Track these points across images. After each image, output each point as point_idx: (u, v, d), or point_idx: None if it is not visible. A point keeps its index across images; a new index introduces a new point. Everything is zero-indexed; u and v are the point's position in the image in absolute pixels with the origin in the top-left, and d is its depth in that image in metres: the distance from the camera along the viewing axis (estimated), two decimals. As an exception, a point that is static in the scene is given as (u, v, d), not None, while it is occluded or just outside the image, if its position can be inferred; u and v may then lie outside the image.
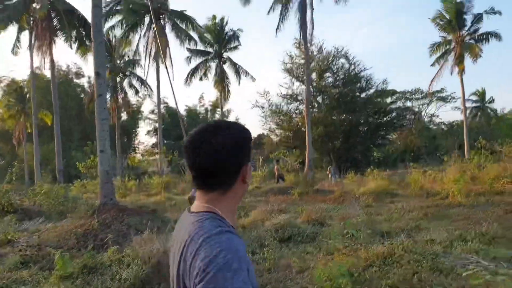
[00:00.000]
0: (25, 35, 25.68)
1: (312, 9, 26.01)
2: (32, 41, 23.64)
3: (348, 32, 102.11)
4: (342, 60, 37.90)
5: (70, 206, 15.34)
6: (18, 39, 26.28)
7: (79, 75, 49.21)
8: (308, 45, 34.09)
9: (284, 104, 40.67)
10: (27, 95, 34.77)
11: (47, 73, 39.71)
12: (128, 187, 25.36)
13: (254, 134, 56.14)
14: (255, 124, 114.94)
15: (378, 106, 37.15)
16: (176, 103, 33.28)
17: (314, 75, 39.25)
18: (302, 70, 38.62)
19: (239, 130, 1.42)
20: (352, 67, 37.44)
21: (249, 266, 1.23)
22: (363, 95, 37.66)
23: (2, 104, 36.83)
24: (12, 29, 25.69)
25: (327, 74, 39.16)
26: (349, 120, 36.49)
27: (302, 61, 38.49)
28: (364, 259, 6.21)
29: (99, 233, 9.37)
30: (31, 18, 22.79)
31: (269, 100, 41.12)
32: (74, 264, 6.97)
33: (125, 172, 32.11)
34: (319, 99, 39.88)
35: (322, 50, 38.51)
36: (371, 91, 37.43)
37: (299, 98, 38.78)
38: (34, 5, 23.30)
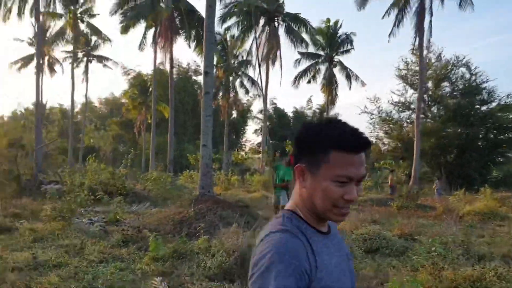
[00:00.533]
0: (150, 32, 28.11)
1: (431, 14, 24.76)
2: (156, 39, 25.75)
3: (471, 40, 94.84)
4: (463, 70, 35.41)
5: (175, 194, 16.47)
6: (144, 36, 28.76)
7: (197, 72, 52.12)
8: (425, 52, 32.49)
9: (395, 112, 39.20)
10: (150, 89, 37.72)
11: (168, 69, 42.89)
12: (231, 182, 26.36)
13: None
14: (363, 131, 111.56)
15: (500, 121, 34.07)
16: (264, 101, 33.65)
17: (430, 84, 37.28)
18: (418, 77, 36.93)
19: (315, 125, 1.31)
20: (473, 77, 34.79)
21: (309, 268, 1.17)
22: (483, 108, 34.82)
23: (127, 94, 40.52)
24: (140, 27, 28.01)
25: (445, 83, 36.91)
26: (465, 134, 34.00)
27: (418, 68, 36.80)
28: (450, 280, 5.84)
29: (194, 222, 9.95)
30: (157, 17, 24.70)
31: (379, 106, 39.89)
32: (166, 248, 7.47)
33: (230, 168, 33.42)
34: (433, 109, 37.78)
35: (440, 57, 36.39)
36: (493, 104, 34.43)
37: (412, 106, 37.03)
38: (161, 4, 25.34)
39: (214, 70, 36.87)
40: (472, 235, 9.71)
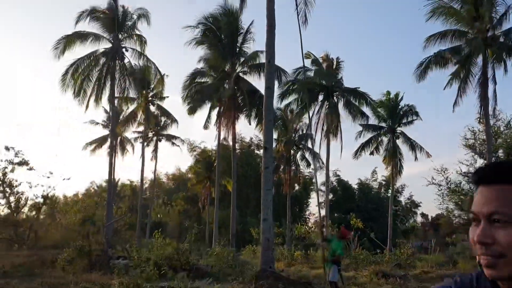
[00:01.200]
0: (215, 111, 29.64)
1: (495, 83, 24.27)
2: (220, 117, 27.17)
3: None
4: (535, 136, 33.75)
5: (238, 269, 16.44)
6: (209, 116, 30.40)
7: (259, 146, 53.30)
8: (493, 120, 31.46)
9: (465, 183, 37.55)
10: (214, 164, 38.98)
11: (237, 146, 44.36)
12: (294, 257, 25.89)
13: (431, 213, 51.74)
14: (431, 203, 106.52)
15: None
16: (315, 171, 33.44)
17: (501, 152, 35.68)
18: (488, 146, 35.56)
19: None
20: (548, 144, 32.97)
21: None
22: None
23: (193, 170, 42.05)
24: (205, 107, 29.73)
25: (517, 152, 35.17)
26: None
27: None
28: None
29: (256, 298, 9.91)
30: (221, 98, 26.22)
31: (447, 177, 38.45)
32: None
33: (293, 242, 32.92)
34: (507, 179, 35.78)
35: (510, 125, 34.98)
36: None
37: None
38: (224, 85, 26.95)
39: (275, 144, 37.88)
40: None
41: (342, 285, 10.44)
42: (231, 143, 28.66)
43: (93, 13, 27.46)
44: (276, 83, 27.46)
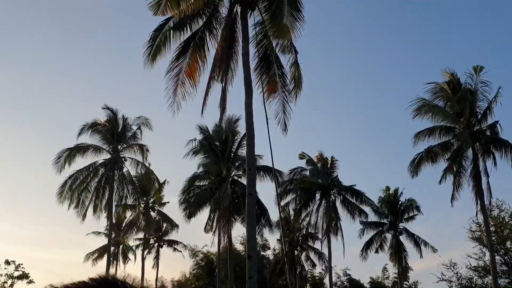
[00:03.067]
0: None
1: (488, 176, 24.44)
2: (216, 223, 27.18)
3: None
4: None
5: None
6: (209, 219, 30.26)
7: (265, 247, 52.30)
8: (495, 212, 31.20)
9: (477, 277, 36.10)
10: (215, 269, 38.02)
11: (239, 247, 43.51)
12: None
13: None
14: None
15: None
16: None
17: (509, 244, 34.74)
18: (495, 238, 34.72)
19: None
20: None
21: None
22: None
23: (193, 279, 40.94)
24: (206, 210, 29.70)
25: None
26: None
27: (492, 229, 34.84)
28: None
29: None
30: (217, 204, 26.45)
31: (457, 273, 37.06)
32: None
33: None
34: (518, 272, 34.38)
35: (514, 215, 34.48)
36: None
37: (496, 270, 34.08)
38: (222, 189, 27.23)
39: (279, 245, 37.26)
40: None
41: None
42: (228, 247, 28.21)
43: (93, 126, 28.74)
44: (273, 184, 27.97)
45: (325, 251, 34.93)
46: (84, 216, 27.23)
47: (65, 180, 27.24)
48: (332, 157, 34.34)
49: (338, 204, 32.95)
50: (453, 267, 37.47)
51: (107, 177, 28.39)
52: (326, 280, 36.83)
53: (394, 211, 34.48)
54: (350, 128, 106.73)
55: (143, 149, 29.65)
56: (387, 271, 50.07)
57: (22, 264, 31.79)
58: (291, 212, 35.56)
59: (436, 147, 26.20)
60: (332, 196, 33.18)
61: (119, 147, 29.66)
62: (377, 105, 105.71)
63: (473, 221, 36.19)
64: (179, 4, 13.90)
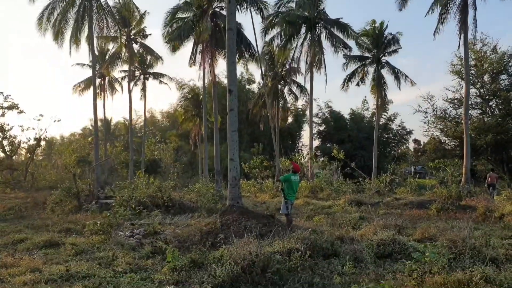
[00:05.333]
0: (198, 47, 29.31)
1: (475, 9, 23.99)
2: (200, 56, 27.15)
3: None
4: (521, 61, 33.76)
5: (219, 204, 17.20)
6: (193, 52, 30.11)
7: (250, 81, 53.28)
8: (479, 45, 31.42)
9: (452, 109, 38.10)
10: (202, 101, 39.23)
11: (224, 81, 44.20)
12: (278, 189, 26.79)
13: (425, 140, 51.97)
14: (417, 130, 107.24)
15: None
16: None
17: (486, 77, 35.84)
18: (474, 71, 35.65)
19: None
20: (533, 67, 33.07)
21: None
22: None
23: (180, 108, 42.39)
24: (189, 44, 29.32)
25: (503, 76, 35.36)
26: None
27: (473, 62, 35.53)
28: (435, 285, 6.04)
29: (219, 232, 10.65)
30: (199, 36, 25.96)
31: (433, 104, 38.96)
32: (184, 258, 8.11)
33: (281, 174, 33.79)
34: (492, 103, 36.22)
35: (496, 50, 34.88)
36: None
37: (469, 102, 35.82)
38: (201, 22, 26.52)
39: (265, 79, 37.93)
40: (491, 237, 9.64)
41: (290, 216, 11.55)
42: (216, 80, 28.62)
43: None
44: (258, 17, 27.18)
45: (307, 86, 35.87)
46: (70, 48, 26.99)
47: (42, 11, 26.30)
48: (319, -13, 32.88)
49: (323, 38, 32.71)
50: (430, 99, 39.35)
51: (85, 7, 27.25)
52: (308, 112, 38.40)
53: (378, 45, 34.44)
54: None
55: (119, -23, 28.07)
56: (367, 103, 52.12)
57: (10, 95, 32.17)
58: (275, 47, 35.38)
59: (427, -23, 25.13)
60: (317, 29, 32.71)
61: (94, -26, 27.89)
62: None
63: (456, 55, 36.74)
64: None
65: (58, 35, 26.87)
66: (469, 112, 32.71)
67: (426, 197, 19.73)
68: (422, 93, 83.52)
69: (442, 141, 39.73)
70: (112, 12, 28.88)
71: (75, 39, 27.26)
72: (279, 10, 32.29)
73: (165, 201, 16.85)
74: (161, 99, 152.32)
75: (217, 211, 14.16)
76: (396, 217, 13.05)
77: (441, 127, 38.08)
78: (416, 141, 61.18)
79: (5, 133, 32.35)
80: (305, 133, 59.07)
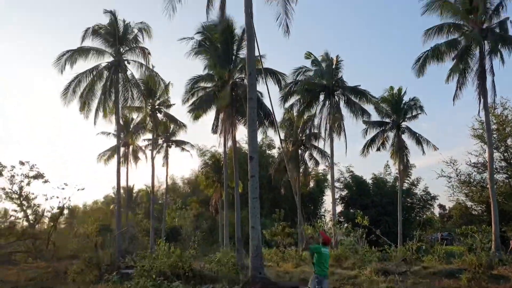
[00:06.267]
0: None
1: (493, 74, 24.25)
2: (221, 123, 27.88)
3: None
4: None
5: (241, 275, 16.76)
6: (216, 120, 30.90)
7: (270, 146, 53.74)
8: (499, 110, 31.42)
9: (476, 173, 37.46)
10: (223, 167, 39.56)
11: (245, 146, 44.76)
12: (302, 257, 26.10)
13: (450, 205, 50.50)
14: (442, 195, 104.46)
15: None
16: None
17: (510, 141, 35.44)
18: (496, 135, 35.37)
19: None
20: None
21: None
22: None
23: (201, 174, 42.76)
24: (212, 112, 30.18)
25: (526, 140, 34.91)
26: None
27: (494, 126, 35.33)
28: None
29: (242, 305, 10.36)
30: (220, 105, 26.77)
31: (456, 169, 38.43)
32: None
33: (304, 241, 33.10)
34: (517, 167, 35.51)
35: (517, 113, 34.73)
36: None
37: (494, 166, 35.20)
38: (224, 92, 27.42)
39: (284, 145, 38.28)
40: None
41: None
42: (233, 147, 29.06)
43: (95, 31, 28.33)
44: (276, 87, 28.05)
45: (328, 149, 35.97)
46: (95, 119, 28.14)
47: (69, 82, 27.73)
48: (337, 57, 33.86)
49: (342, 104, 33.33)
50: (453, 164, 38.83)
51: (112, 80, 28.60)
52: (330, 177, 38.21)
53: (398, 110, 34.74)
54: (357, 27, 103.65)
55: (145, 51, 29.43)
56: (389, 167, 51.53)
57: (36, 164, 33.04)
58: (295, 114, 36.00)
59: (443, 45, 25.71)
60: (336, 97, 33.38)
61: (121, 49, 29.46)
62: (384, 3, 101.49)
63: (476, 119, 36.66)
64: None
65: (84, 106, 28.06)
66: (495, 176, 32.02)
67: (455, 265, 18.96)
68: (445, 157, 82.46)
69: (468, 206, 38.81)
70: (137, 84, 30.16)
71: (104, 111, 28.44)
72: (297, 78, 33.25)
73: (186, 271, 16.52)
74: (183, 165, 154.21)
75: (239, 282, 13.83)
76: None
77: (466, 192, 37.35)
78: (441, 206, 59.81)
79: (29, 202, 32.88)
80: (327, 198, 58.27)
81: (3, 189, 32.29)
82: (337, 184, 52.32)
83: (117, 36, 28.57)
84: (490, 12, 24.99)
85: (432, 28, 26.24)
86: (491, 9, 24.97)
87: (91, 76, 28.23)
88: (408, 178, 46.77)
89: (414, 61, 26.66)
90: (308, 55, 33.88)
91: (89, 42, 28.89)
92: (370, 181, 51.25)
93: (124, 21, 29.87)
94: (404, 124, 35.07)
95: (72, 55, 27.44)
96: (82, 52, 27.97)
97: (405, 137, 34.93)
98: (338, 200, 51.70)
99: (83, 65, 28.69)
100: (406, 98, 35.37)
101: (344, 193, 51.02)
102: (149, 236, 41.18)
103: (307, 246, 11.50)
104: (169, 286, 13.14)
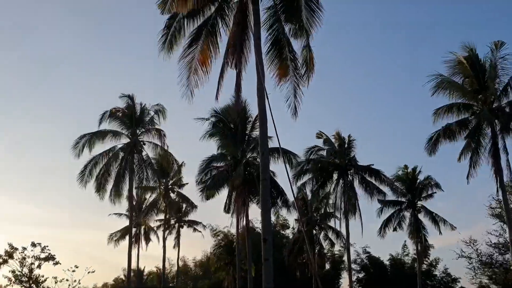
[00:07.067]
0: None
1: (507, 153, 24.13)
2: (234, 203, 27.77)
3: None
4: None
5: None
6: (229, 199, 30.78)
7: (284, 226, 52.78)
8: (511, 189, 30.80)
9: (497, 254, 36.02)
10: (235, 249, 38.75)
11: (258, 225, 44.06)
12: None
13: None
14: (464, 277, 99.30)
15: None
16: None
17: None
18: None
19: None
20: None
21: None
22: None
23: (213, 257, 41.80)
24: (224, 191, 30.16)
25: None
26: None
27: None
28: None
29: None
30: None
31: (477, 249, 37.06)
32: None
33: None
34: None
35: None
36: None
37: (515, 246, 33.95)
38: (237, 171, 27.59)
39: (297, 225, 37.67)
40: None
41: None
42: (245, 227, 28.70)
43: (112, 113, 29.36)
44: (287, 166, 28.12)
45: (343, 230, 35.23)
46: (114, 201, 28.34)
47: (85, 165, 28.21)
48: (349, 136, 34.23)
49: (356, 184, 33.15)
50: (473, 244, 37.46)
51: (127, 161, 29.08)
52: (346, 258, 37.07)
53: (412, 189, 34.44)
54: (367, 106, 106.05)
55: (160, 133, 30.20)
56: (407, 248, 49.80)
57: (47, 246, 32.89)
58: (308, 193, 35.80)
59: (453, 124, 25.93)
60: (349, 176, 33.30)
61: (137, 131, 30.30)
62: (394, 83, 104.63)
63: (493, 198, 35.93)
64: (186, 3, 13.79)
65: (100, 188, 28.28)
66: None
67: None
68: (464, 236, 79.91)
69: (491, 288, 36.89)
70: (152, 164, 30.61)
71: (116, 193, 28.59)
72: (310, 157, 33.42)
73: None
74: (194, 246, 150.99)
75: None
76: None
77: (489, 274, 35.69)
78: (464, 289, 56.86)
79: (39, 285, 32.30)
80: (344, 281, 55.93)
81: (13, 271, 31.96)
82: (354, 266, 50.43)
83: (134, 118, 29.54)
84: (499, 92, 25.40)
85: (442, 107, 26.54)
86: (499, 89, 25.40)
87: (107, 158, 28.78)
88: (427, 259, 45.16)
89: (426, 140, 26.73)
90: (320, 134, 34.33)
91: (105, 125, 29.97)
92: (387, 262, 49.49)
93: (141, 104, 31.02)
94: (419, 203, 34.55)
95: (90, 139, 28.27)
96: (100, 135, 28.82)
97: (421, 216, 34.28)
98: (355, 283, 49.70)
99: (100, 146, 29.46)
100: (421, 177, 35.19)
101: (361, 275, 49.09)
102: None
103: None
104: None
